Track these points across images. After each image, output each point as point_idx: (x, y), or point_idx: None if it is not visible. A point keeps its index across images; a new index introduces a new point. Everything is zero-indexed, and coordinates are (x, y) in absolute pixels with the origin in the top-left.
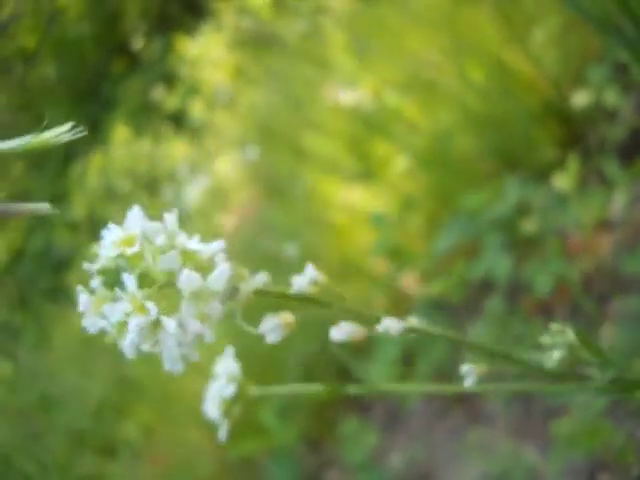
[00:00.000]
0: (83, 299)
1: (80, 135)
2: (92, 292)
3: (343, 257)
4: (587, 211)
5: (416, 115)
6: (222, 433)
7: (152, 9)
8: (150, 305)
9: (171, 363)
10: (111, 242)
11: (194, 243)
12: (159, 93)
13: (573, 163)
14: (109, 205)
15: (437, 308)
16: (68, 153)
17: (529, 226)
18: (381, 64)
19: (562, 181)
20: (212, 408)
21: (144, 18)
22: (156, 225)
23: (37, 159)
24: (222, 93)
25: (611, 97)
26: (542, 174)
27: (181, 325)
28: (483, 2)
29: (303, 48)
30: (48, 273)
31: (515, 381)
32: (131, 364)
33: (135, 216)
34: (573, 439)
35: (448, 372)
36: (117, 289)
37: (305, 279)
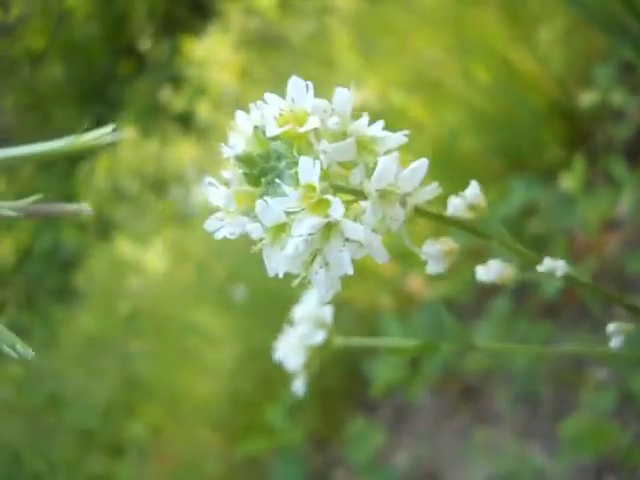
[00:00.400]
0: (215, 192)
1: (118, 137)
2: (226, 184)
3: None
4: (594, 211)
5: (421, 115)
6: (299, 386)
7: (159, 11)
8: (335, 201)
9: (328, 287)
10: (272, 117)
11: (375, 129)
12: (166, 94)
13: (579, 163)
14: (117, 205)
15: (443, 308)
16: (76, 154)
17: (535, 226)
18: (386, 64)
19: (568, 181)
20: (292, 356)
21: (151, 20)
22: (324, 102)
23: (46, 160)
24: (228, 94)
25: (617, 97)
26: (548, 174)
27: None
28: (488, 2)
29: (309, 48)
30: (56, 273)
31: None
32: (139, 363)
33: (300, 86)
34: (580, 440)
35: (454, 371)
36: (278, 181)
37: (462, 201)
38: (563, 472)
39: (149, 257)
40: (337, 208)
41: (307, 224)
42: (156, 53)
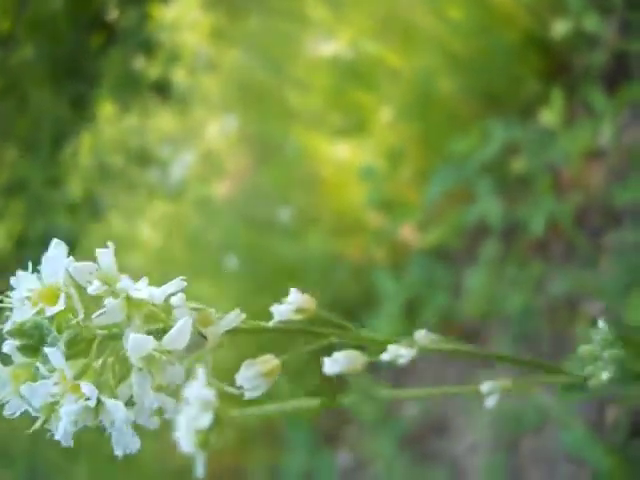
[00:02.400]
0: None
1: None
2: (5, 361)
3: (338, 214)
4: (575, 144)
5: (395, 61)
6: (199, 468)
7: None
8: (87, 387)
9: (123, 446)
10: (23, 297)
11: (142, 289)
12: (140, 62)
13: (557, 96)
14: (104, 183)
15: (435, 257)
16: (58, 135)
17: (518, 165)
18: (357, 12)
19: (548, 116)
20: (185, 440)
21: None
22: (87, 265)
23: (29, 144)
24: (202, 56)
25: (591, 23)
26: (528, 110)
27: (133, 401)
28: None
29: (279, 4)
30: None
31: None
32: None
33: (56, 255)
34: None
35: (450, 319)
36: (38, 363)
37: (289, 307)
38: (567, 408)
39: (142, 232)
40: (87, 392)
41: (67, 409)
42: (125, 22)
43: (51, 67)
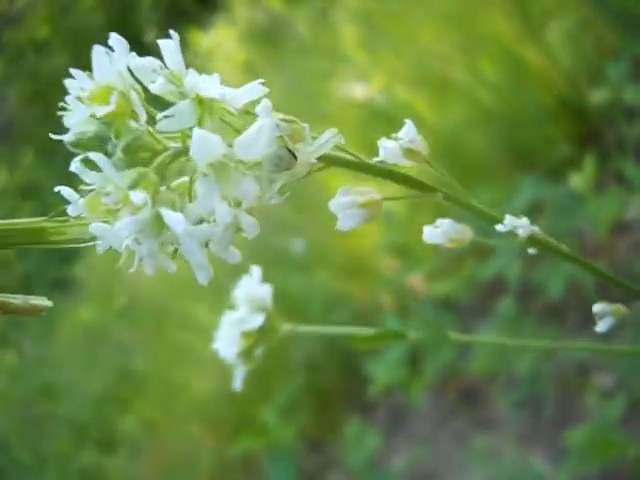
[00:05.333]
0: (71, 198)
1: None
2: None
3: (349, 254)
4: (603, 212)
5: (426, 110)
6: (237, 380)
7: (164, 1)
8: (137, 195)
9: (200, 269)
10: (79, 98)
11: (214, 85)
12: None
13: (590, 162)
14: None
15: (444, 308)
16: None
17: (543, 226)
18: (392, 58)
19: (578, 180)
20: (227, 345)
21: (156, 10)
22: (150, 61)
23: (47, 149)
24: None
25: (630, 94)
26: (557, 173)
27: (200, 217)
28: None
29: (315, 41)
30: (55, 264)
31: None
32: (135, 356)
33: (115, 52)
34: (585, 449)
35: (455, 374)
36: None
37: (400, 142)
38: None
39: None
40: (136, 200)
41: (121, 223)
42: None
43: None
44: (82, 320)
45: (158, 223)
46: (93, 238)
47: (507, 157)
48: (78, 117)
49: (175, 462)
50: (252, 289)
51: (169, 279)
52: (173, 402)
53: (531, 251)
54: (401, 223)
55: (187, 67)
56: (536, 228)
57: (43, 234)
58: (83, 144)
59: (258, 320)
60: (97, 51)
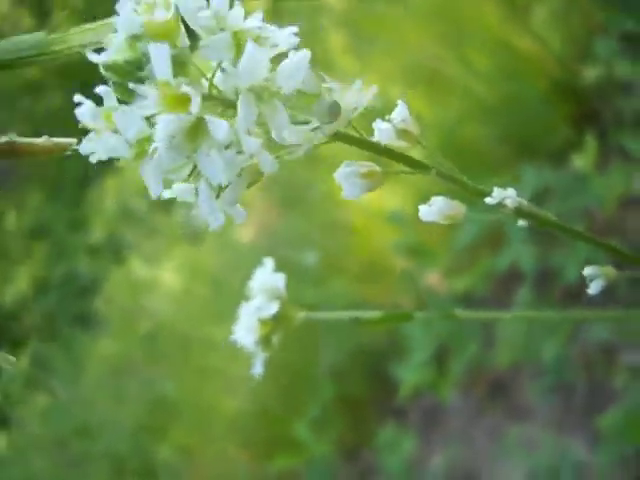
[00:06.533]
0: (83, 110)
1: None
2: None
3: (364, 259)
4: (610, 189)
5: (421, 107)
6: (257, 366)
7: None
8: (191, 90)
9: (209, 207)
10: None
11: (256, 21)
12: None
13: (590, 141)
14: (127, 226)
15: (463, 303)
16: (83, 180)
17: (551, 211)
18: (382, 60)
19: (580, 161)
20: (245, 333)
21: None
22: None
23: (54, 188)
24: None
25: (623, 68)
26: (559, 157)
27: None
28: None
29: (303, 48)
30: (74, 300)
31: None
32: (163, 385)
33: None
34: (622, 431)
35: (481, 369)
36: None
37: (394, 122)
38: (605, 464)
39: (164, 276)
40: (195, 101)
41: (163, 123)
42: None
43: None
44: (107, 354)
45: (193, 136)
46: (97, 43)
47: (507, 147)
48: (129, 25)
49: None
50: (266, 279)
51: (188, 305)
52: (206, 425)
53: (521, 222)
54: (410, 222)
55: None
56: (523, 201)
57: (45, 45)
58: (117, 68)
59: (274, 307)
60: None
